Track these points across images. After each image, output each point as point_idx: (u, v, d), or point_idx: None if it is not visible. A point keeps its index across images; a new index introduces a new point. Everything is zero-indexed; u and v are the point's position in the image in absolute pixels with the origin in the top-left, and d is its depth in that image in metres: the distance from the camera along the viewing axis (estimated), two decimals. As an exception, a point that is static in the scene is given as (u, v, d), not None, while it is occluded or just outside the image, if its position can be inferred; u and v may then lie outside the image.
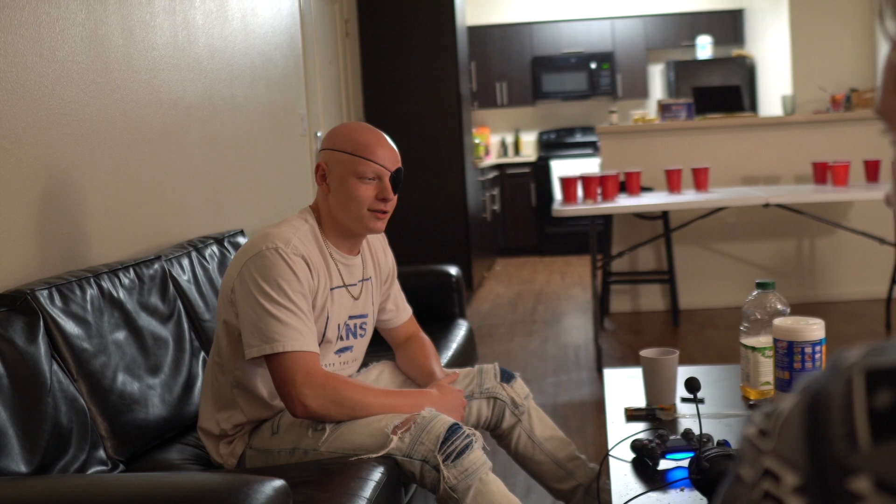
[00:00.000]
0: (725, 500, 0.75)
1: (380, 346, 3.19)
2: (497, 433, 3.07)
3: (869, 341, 0.69)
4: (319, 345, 2.62)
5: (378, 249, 2.95)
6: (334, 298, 2.67)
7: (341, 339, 2.75)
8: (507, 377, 3.05)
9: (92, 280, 2.71)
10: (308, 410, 2.47)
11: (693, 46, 11.12)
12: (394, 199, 2.67)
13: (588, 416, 4.68)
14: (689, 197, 5.82)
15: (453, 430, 2.47)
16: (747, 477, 0.72)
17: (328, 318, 2.64)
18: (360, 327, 2.83)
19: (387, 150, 2.66)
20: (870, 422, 0.64)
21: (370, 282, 2.86)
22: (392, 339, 3.09)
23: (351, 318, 2.77)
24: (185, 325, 3.08)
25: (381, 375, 3.02)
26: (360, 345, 2.86)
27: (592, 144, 11.20)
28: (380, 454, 2.45)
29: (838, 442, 0.65)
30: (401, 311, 3.07)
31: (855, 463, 0.64)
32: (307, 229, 2.64)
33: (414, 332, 3.10)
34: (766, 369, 2.71)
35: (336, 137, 2.67)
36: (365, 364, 3.03)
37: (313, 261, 2.57)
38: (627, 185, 6.04)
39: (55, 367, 2.41)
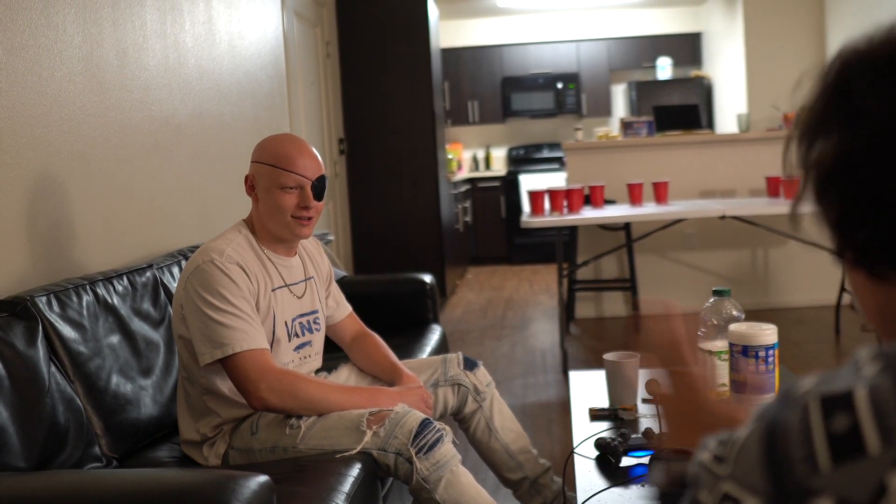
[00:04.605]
0: None
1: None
2: (458, 417, 3.11)
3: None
4: (272, 344, 2.65)
5: (314, 253, 2.99)
6: (278, 298, 2.69)
7: (296, 335, 2.77)
8: (470, 365, 3.09)
9: (88, 287, 2.71)
10: (265, 403, 2.50)
11: (654, 67, 11.19)
12: (318, 205, 2.70)
13: (554, 416, 4.70)
14: (649, 209, 5.85)
15: (425, 424, 2.50)
16: (706, 502, 0.72)
17: (274, 317, 2.67)
18: (315, 322, 2.87)
19: (308, 160, 2.67)
20: (829, 445, 0.65)
21: (313, 280, 2.90)
22: (340, 340, 3.11)
23: (301, 315, 2.80)
24: (176, 330, 3.08)
25: (350, 376, 3.05)
26: (318, 338, 2.89)
27: (559, 160, 11.24)
28: (356, 450, 2.48)
29: (798, 465, 0.66)
30: (341, 307, 3.10)
31: (816, 484, 0.64)
32: (241, 239, 2.68)
33: (361, 330, 3.12)
34: (722, 372, 2.73)
35: (261, 150, 2.69)
36: (335, 367, 3.06)
37: (250, 266, 2.61)
38: (592, 198, 6.06)
39: (53, 369, 2.42)
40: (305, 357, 2.82)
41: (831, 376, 0.70)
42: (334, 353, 3.19)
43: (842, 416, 0.65)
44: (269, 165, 2.65)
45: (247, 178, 2.71)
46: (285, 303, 2.73)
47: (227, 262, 2.54)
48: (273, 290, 2.68)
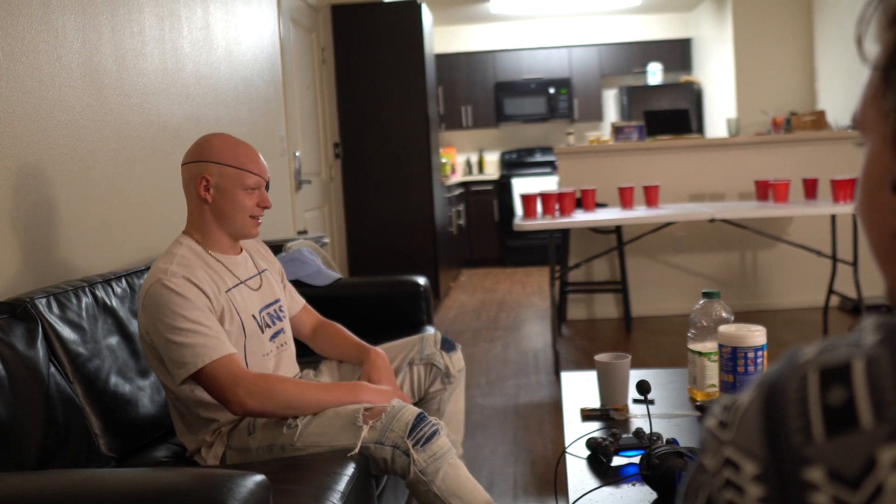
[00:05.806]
0: (690, 488, 0.77)
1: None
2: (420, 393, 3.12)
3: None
4: (245, 340, 2.64)
5: (259, 248, 2.99)
6: (236, 296, 2.67)
7: (267, 326, 2.77)
8: (448, 346, 3.09)
9: (87, 289, 2.71)
10: (245, 408, 2.48)
11: (644, 73, 11.20)
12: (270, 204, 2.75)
13: (546, 416, 4.70)
14: (640, 212, 5.85)
15: (420, 418, 2.51)
16: (710, 466, 0.73)
17: (239, 315, 2.65)
18: (279, 310, 2.87)
19: (261, 163, 2.72)
20: (824, 416, 0.66)
21: (268, 273, 2.90)
22: (301, 333, 3.11)
23: (267, 306, 2.80)
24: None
25: (331, 372, 3.07)
26: (286, 325, 2.90)
27: (551, 164, 11.25)
28: (358, 447, 2.48)
29: (794, 434, 0.66)
30: (295, 301, 3.11)
31: (810, 454, 0.65)
32: (184, 250, 2.64)
33: (320, 321, 3.13)
34: (712, 373, 2.73)
35: (218, 152, 2.66)
36: (315, 367, 3.07)
37: (197, 275, 2.55)
38: (583, 201, 6.07)
39: (53, 370, 2.42)
40: (282, 345, 2.83)
41: (833, 345, 0.70)
42: (314, 357, 3.19)
43: (838, 389, 0.66)
44: (233, 167, 2.64)
45: (202, 178, 2.65)
46: (245, 298, 2.71)
47: (173, 277, 2.50)
48: (228, 291, 2.66)
